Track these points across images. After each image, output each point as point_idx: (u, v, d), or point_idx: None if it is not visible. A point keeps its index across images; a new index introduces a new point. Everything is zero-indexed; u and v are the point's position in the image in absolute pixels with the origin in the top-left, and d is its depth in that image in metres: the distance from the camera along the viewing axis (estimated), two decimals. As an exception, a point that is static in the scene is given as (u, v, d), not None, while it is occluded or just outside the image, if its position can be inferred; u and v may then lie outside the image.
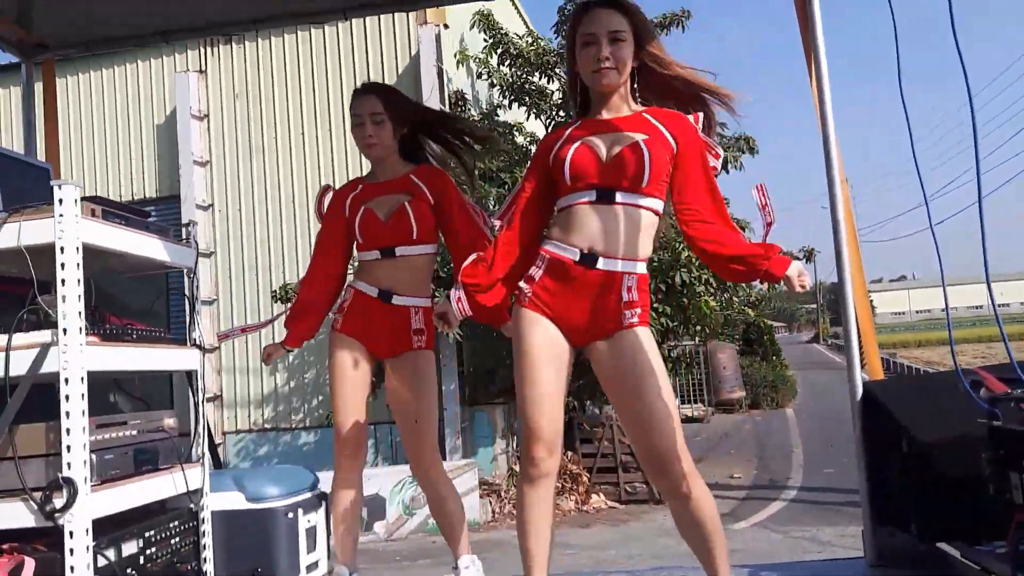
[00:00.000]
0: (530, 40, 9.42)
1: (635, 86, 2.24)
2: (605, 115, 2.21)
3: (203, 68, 9.37)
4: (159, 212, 9.61)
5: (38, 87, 3.30)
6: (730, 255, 2.16)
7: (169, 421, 2.48)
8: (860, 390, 2.77)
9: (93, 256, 2.21)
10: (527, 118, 9.45)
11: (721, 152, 2.28)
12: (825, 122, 2.85)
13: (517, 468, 8.74)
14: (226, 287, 9.29)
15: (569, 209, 2.16)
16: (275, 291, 8.51)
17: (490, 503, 8.20)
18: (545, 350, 2.14)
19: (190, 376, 2.60)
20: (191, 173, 9.18)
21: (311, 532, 2.67)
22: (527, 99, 9.21)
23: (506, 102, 9.38)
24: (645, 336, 2.15)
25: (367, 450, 2.75)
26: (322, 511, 2.76)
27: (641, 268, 2.16)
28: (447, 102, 8.92)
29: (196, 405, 2.58)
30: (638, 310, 2.14)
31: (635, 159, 2.10)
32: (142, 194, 9.68)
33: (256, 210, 9.27)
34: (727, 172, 8.65)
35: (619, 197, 2.11)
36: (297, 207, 9.17)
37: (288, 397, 9.06)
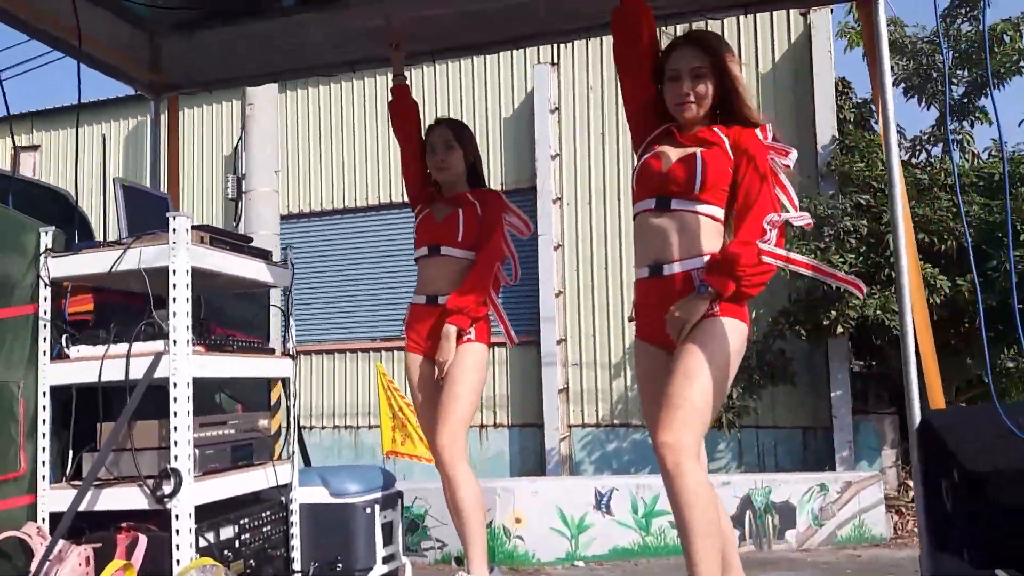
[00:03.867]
0: (892, 28, 8.45)
1: (718, 112, 2.40)
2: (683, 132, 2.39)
3: (555, 60, 9.16)
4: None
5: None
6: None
7: (263, 422, 2.80)
8: (918, 419, 2.80)
9: (202, 276, 2.55)
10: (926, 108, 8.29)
11: (791, 151, 2.32)
12: (888, 135, 2.89)
13: (910, 482, 8.13)
14: (573, 281, 9.00)
15: (637, 220, 2.40)
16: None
17: (892, 518, 7.71)
18: (646, 383, 2.38)
19: (284, 383, 2.92)
20: (548, 166, 8.97)
21: (387, 527, 2.93)
22: (928, 89, 8.04)
23: (900, 93, 8.28)
24: (717, 327, 2.21)
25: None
26: (398, 508, 3.02)
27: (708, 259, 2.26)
28: (835, 87, 8.17)
29: (288, 408, 2.89)
30: (715, 303, 2.22)
31: (688, 168, 2.27)
32: (488, 185, 9.59)
33: (608, 203, 8.81)
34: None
35: (674, 204, 2.29)
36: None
37: (637, 394, 8.91)
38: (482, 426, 9.06)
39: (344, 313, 9.79)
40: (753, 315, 8.03)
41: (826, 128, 7.86)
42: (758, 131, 2.35)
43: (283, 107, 9.71)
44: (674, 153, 2.34)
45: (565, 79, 9.14)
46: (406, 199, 3.25)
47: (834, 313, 6.72)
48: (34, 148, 10.84)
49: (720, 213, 2.31)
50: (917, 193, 7.02)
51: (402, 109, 3.09)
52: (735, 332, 2.25)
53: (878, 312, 6.60)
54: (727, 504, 6.48)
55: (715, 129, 2.34)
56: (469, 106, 9.50)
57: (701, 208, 2.28)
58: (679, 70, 2.34)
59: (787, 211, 2.29)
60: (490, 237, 2.90)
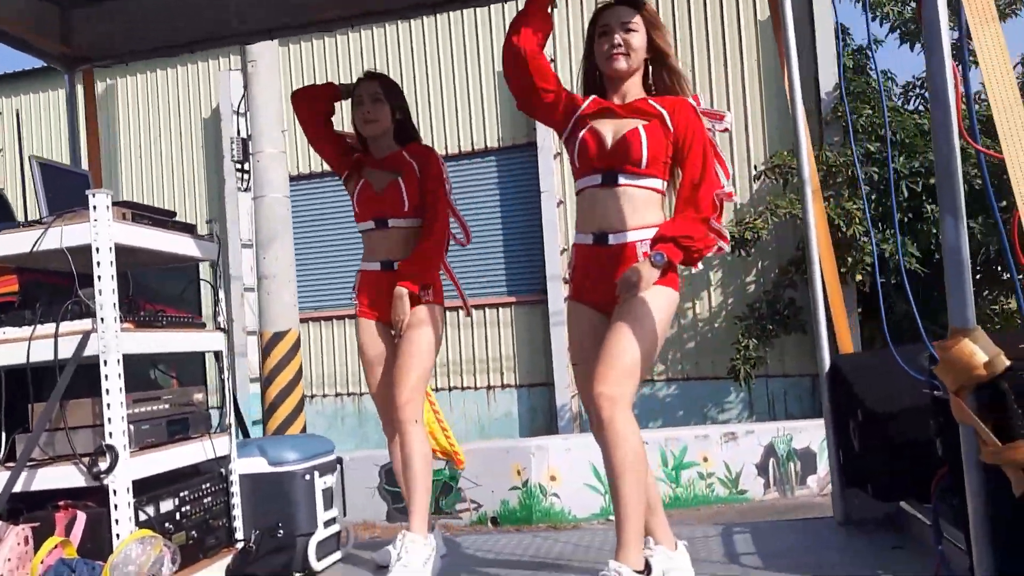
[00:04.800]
0: None
1: (650, 79, 2.49)
2: (615, 100, 2.45)
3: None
4: (511, 161, 9.08)
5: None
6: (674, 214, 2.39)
7: (198, 396, 2.82)
8: (827, 363, 2.98)
9: (126, 253, 2.55)
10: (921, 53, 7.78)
11: (726, 114, 2.46)
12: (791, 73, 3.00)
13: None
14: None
15: (582, 194, 2.47)
16: None
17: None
18: (584, 336, 2.47)
19: (217, 356, 2.94)
20: None
21: (327, 492, 3.01)
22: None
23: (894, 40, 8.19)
24: (653, 295, 2.32)
25: None
26: (337, 474, 3.09)
27: (652, 232, 2.37)
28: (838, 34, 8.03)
29: (223, 381, 2.92)
30: None
31: (634, 144, 2.35)
32: (483, 144, 9.15)
33: None
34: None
35: (621, 179, 2.38)
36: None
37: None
38: (489, 387, 8.97)
39: (349, 279, 9.57)
40: (759, 265, 8.09)
41: (829, 75, 7.76)
42: (692, 101, 2.44)
43: (283, 63, 9.22)
44: (612, 125, 2.40)
45: (561, 30, 8.78)
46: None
47: (850, 259, 6.73)
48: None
49: (661, 184, 2.41)
50: (921, 137, 7.01)
51: (323, 101, 3.06)
52: (670, 299, 2.39)
53: (897, 256, 6.50)
54: (753, 453, 6.71)
55: (651, 101, 2.42)
56: (461, 61, 9.24)
57: (645, 182, 2.38)
58: (609, 24, 2.41)
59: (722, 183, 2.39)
60: (437, 199, 2.93)
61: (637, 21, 2.41)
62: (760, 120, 8.18)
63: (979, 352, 1.54)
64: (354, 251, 9.36)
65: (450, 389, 9.09)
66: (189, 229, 2.86)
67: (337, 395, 9.53)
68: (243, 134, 7.99)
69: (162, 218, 2.72)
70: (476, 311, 8.89)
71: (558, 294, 8.71)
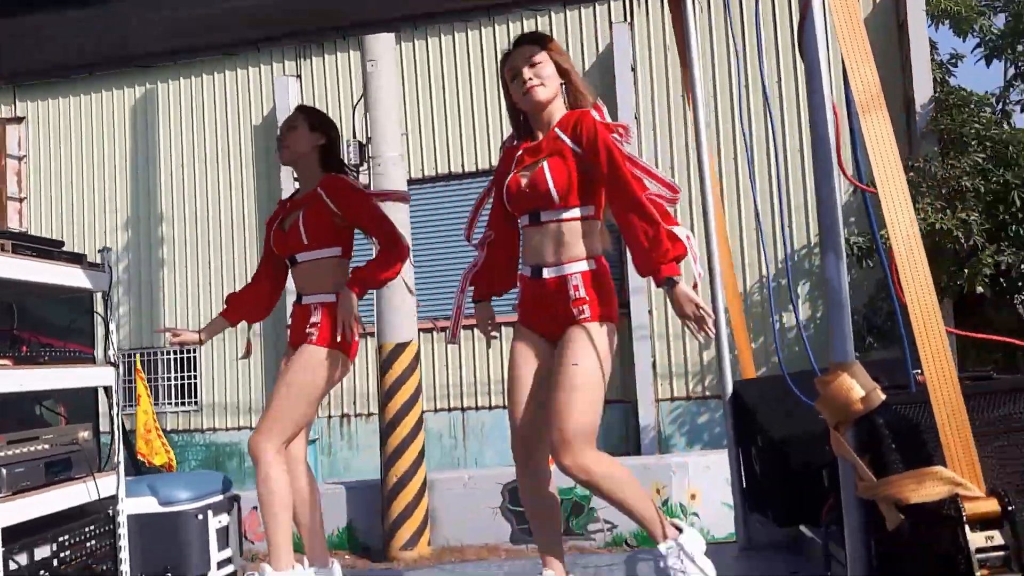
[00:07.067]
0: None
1: (567, 101, 2.49)
2: (540, 136, 2.47)
3: (627, 18, 8.83)
4: None
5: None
6: (629, 247, 2.32)
7: (84, 434, 2.68)
8: (730, 389, 3.02)
9: (7, 285, 2.41)
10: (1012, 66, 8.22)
11: (628, 125, 2.43)
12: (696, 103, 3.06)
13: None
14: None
15: (523, 232, 2.51)
16: None
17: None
18: (521, 364, 2.44)
19: (107, 391, 2.81)
20: (632, 127, 8.37)
21: (222, 532, 2.89)
22: (1020, 46, 8.09)
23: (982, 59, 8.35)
24: (590, 331, 2.33)
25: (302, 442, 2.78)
26: (234, 512, 2.98)
27: (584, 266, 2.37)
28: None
29: (112, 418, 2.78)
30: (585, 307, 2.35)
31: (541, 184, 2.37)
32: None
33: (691, 168, 8.34)
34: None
35: (543, 216, 2.40)
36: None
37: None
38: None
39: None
40: (853, 275, 7.53)
41: (924, 86, 7.65)
42: (594, 112, 2.43)
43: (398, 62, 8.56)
44: (529, 169, 2.43)
45: (640, 39, 8.86)
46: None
47: (967, 271, 6.52)
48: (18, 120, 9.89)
49: (585, 211, 2.39)
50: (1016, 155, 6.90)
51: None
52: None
53: (1021, 266, 6.46)
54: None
55: (556, 129, 2.43)
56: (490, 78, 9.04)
57: (567, 214, 2.38)
58: (517, 67, 2.45)
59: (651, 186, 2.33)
60: (367, 211, 2.86)
61: (541, 54, 2.45)
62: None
63: (856, 387, 1.57)
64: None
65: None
66: (78, 259, 2.74)
67: (451, 409, 9.08)
68: (359, 137, 7.64)
69: (47, 249, 2.60)
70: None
71: (642, 307, 8.53)
